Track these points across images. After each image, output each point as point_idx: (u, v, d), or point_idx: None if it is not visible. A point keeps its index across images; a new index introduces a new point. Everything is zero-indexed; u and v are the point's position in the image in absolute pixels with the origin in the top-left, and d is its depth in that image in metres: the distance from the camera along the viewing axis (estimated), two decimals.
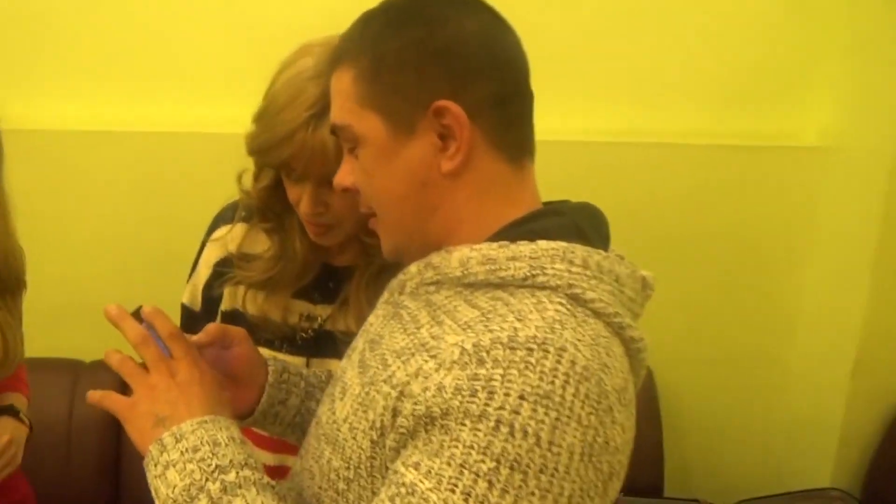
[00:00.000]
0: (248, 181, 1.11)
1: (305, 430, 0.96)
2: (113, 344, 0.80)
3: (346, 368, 0.80)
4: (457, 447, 0.61)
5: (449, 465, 0.61)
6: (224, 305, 1.16)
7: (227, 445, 0.74)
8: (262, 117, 1.00)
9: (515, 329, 0.64)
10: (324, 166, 0.96)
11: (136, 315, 0.84)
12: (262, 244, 1.13)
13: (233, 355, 0.91)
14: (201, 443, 0.73)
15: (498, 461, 0.60)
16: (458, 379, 0.62)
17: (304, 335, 1.13)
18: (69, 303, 1.85)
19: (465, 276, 0.71)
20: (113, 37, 1.80)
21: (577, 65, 1.84)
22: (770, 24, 1.87)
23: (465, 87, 0.71)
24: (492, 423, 0.60)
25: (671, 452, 1.96)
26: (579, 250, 0.70)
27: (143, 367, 0.79)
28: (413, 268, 0.77)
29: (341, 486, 0.73)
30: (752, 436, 2.11)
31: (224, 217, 1.18)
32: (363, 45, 0.74)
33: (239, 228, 1.14)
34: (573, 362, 0.63)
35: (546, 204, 0.78)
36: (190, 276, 1.21)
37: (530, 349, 0.62)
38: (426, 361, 0.66)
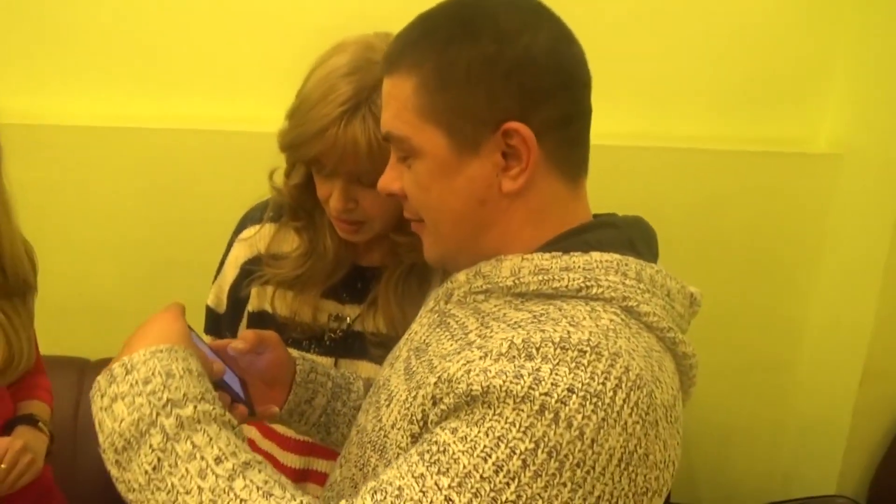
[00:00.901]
0: (279, 178, 1.11)
1: (330, 430, 0.97)
2: (118, 342, 0.77)
3: (390, 377, 0.77)
4: (498, 421, 0.59)
5: (487, 435, 0.59)
6: (251, 306, 1.15)
7: (181, 377, 0.69)
8: (294, 114, 1.00)
9: (569, 332, 0.62)
10: (354, 163, 0.96)
11: None
12: (291, 244, 1.13)
13: (266, 360, 0.90)
14: (153, 374, 0.68)
15: (537, 444, 0.58)
16: (504, 367, 0.61)
17: (332, 335, 1.13)
18: (75, 301, 1.84)
19: (516, 286, 0.69)
20: (125, 32, 1.78)
21: (591, 68, 1.83)
22: (783, 30, 1.87)
23: (535, 108, 0.68)
24: (536, 406, 0.58)
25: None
26: (633, 263, 0.69)
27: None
28: (461, 276, 0.75)
29: None
30: (758, 443, 2.10)
31: (252, 217, 1.17)
32: (426, 52, 0.70)
33: (268, 228, 1.14)
34: (627, 368, 0.61)
35: (597, 216, 0.76)
36: (215, 277, 1.21)
37: (583, 351, 0.61)
38: (472, 352, 0.64)
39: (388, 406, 0.73)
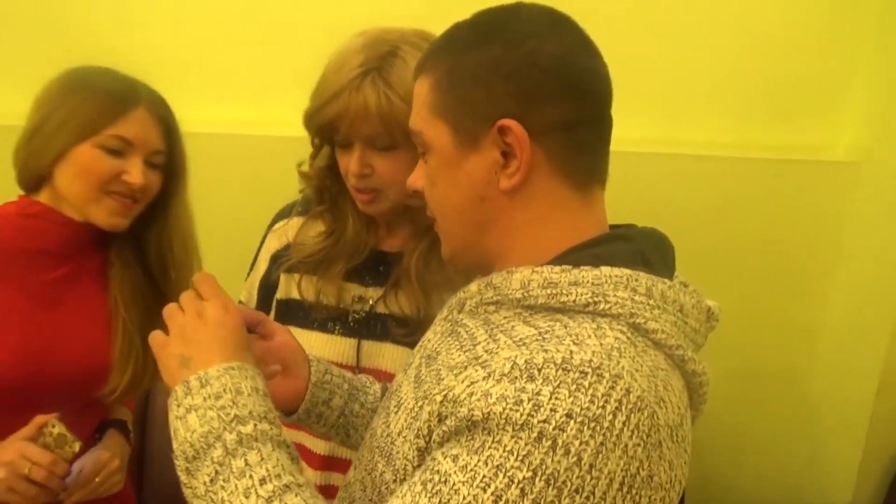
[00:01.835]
0: (306, 167, 1.18)
1: (349, 432, 0.99)
2: None
3: (402, 383, 0.80)
4: (496, 449, 0.60)
5: (486, 464, 0.60)
6: (279, 294, 1.20)
7: (249, 395, 0.73)
8: (316, 88, 1.08)
9: (571, 352, 0.62)
10: (367, 125, 1.03)
11: None
12: (317, 230, 1.19)
13: (276, 345, 0.93)
14: (224, 390, 0.72)
15: (535, 472, 0.59)
16: (505, 389, 0.61)
17: (356, 316, 1.17)
18: None
19: (525, 299, 0.70)
20: (134, 36, 1.80)
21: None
22: (802, 37, 1.89)
23: (533, 109, 0.70)
24: (534, 434, 0.59)
25: (691, 466, 1.93)
26: (643, 278, 0.69)
27: None
28: (473, 287, 0.76)
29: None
30: (773, 451, 2.10)
31: (283, 213, 1.25)
32: (445, 55, 0.75)
33: (297, 220, 1.21)
34: (627, 391, 0.61)
35: (613, 227, 0.77)
36: (248, 275, 1.27)
37: (584, 372, 0.61)
38: (476, 371, 0.65)
39: (396, 413, 0.75)
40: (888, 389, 1.88)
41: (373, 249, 1.18)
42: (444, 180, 0.75)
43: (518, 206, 0.73)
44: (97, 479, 1.14)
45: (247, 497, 0.67)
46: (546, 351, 0.63)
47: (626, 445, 0.60)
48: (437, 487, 0.62)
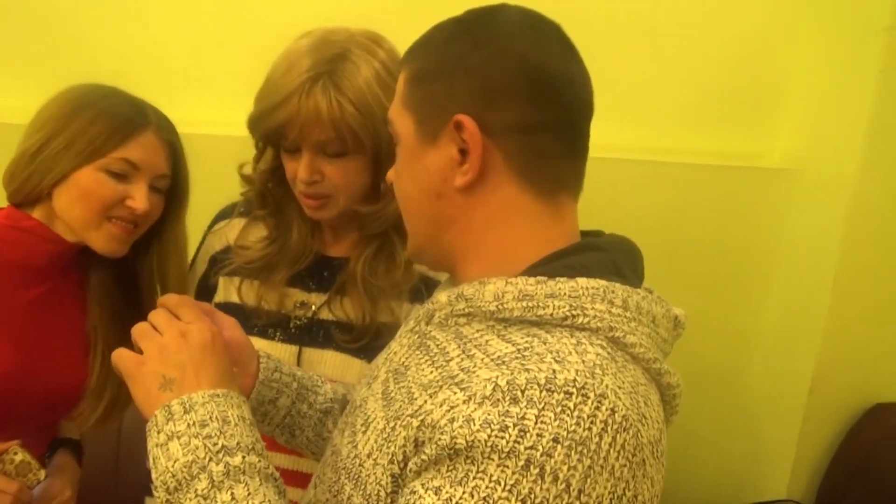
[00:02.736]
0: (248, 169, 1.15)
1: (294, 433, 0.97)
2: None
3: (367, 398, 0.76)
4: (482, 479, 0.57)
5: (472, 496, 0.57)
6: (218, 297, 1.18)
7: (236, 425, 0.70)
8: (261, 92, 1.06)
9: (554, 371, 0.60)
10: (318, 131, 1.01)
11: None
12: (258, 234, 1.16)
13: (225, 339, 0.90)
14: (210, 418, 0.69)
15: (524, 502, 0.56)
16: (489, 414, 0.59)
17: (297, 322, 1.15)
18: None
19: (499, 311, 0.67)
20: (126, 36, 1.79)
21: None
22: (740, 50, 1.94)
23: (491, 108, 0.69)
24: (521, 462, 0.57)
25: None
26: (619, 290, 0.68)
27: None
28: (443, 297, 0.73)
29: None
30: (712, 450, 2.15)
31: (224, 213, 1.22)
32: (422, 49, 0.75)
33: (238, 221, 1.19)
34: (613, 410, 0.59)
35: (584, 234, 0.75)
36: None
37: (569, 393, 0.59)
38: (454, 393, 0.62)
39: (364, 433, 0.72)
40: (820, 390, 1.95)
41: (317, 254, 1.16)
42: (406, 172, 0.75)
43: (477, 207, 0.71)
44: None
45: None
46: (528, 371, 0.60)
47: (613, 467, 0.58)
48: None
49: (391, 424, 0.68)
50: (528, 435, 0.57)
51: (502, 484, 0.57)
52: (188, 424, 0.68)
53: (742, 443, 2.12)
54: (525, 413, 0.58)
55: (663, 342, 0.72)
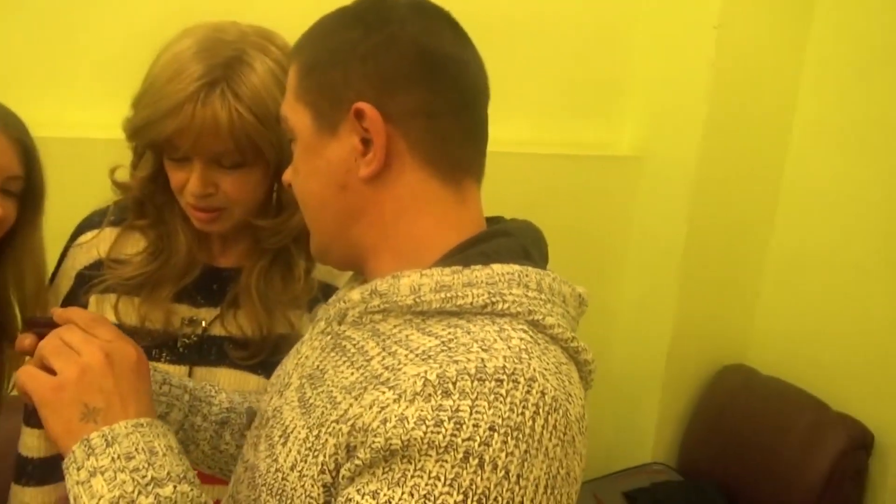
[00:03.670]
0: (123, 175, 1.05)
1: (189, 448, 0.91)
2: None
3: (282, 407, 0.73)
4: (421, 477, 0.56)
5: (412, 495, 0.56)
6: None
7: (164, 455, 0.66)
8: (142, 98, 0.95)
9: (483, 360, 0.60)
10: (215, 142, 0.93)
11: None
12: (136, 246, 1.06)
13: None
14: (136, 450, 0.65)
15: (466, 494, 0.56)
16: (422, 410, 0.58)
17: (186, 341, 1.06)
18: None
19: (417, 305, 0.66)
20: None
21: None
22: (588, 44, 2.06)
23: (391, 94, 0.67)
24: (460, 455, 0.56)
25: None
26: (532, 273, 0.68)
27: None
28: (356, 295, 0.70)
29: None
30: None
31: (91, 222, 1.09)
32: (311, 40, 0.72)
33: (109, 231, 1.07)
34: (543, 393, 0.60)
35: (490, 221, 0.75)
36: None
37: (500, 380, 0.59)
38: (382, 393, 0.61)
39: (283, 444, 0.69)
40: (675, 358, 2.12)
41: (205, 266, 1.08)
42: (305, 168, 0.72)
43: (386, 198, 0.69)
44: None
45: None
46: (457, 362, 0.60)
47: (547, 448, 0.59)
48: None
49: (314, 433, 0.65)
50: (464, 427, 0.57)
51: (442, 479, 0.56)
52: (112, 458, 0.64)
53: (609, 413, 2.25)
54: (459, 405, 0.57)
55: (573, 320, 0.73)
